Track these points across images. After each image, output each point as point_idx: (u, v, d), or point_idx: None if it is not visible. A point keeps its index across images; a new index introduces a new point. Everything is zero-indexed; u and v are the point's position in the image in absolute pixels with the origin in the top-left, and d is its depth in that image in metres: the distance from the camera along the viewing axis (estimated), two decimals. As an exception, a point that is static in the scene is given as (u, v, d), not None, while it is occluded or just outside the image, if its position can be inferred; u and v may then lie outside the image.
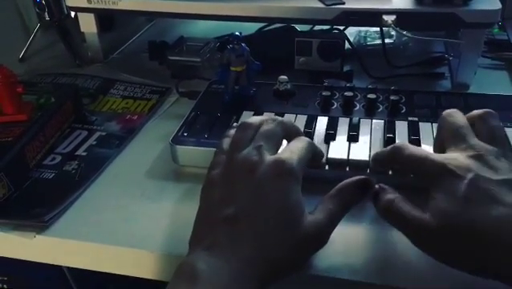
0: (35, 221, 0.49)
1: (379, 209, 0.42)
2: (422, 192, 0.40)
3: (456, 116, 0.44)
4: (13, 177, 0.52)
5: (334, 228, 0.41)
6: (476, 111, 0.44)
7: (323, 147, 0.52)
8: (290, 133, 0.46)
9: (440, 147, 0.44)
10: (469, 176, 0.37)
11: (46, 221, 0.49)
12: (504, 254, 0.35)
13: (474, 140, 0.41)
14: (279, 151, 0.44)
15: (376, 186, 0.43)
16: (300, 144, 0.44)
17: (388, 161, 0.46)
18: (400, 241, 0.45)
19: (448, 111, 0.45)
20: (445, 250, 0.37)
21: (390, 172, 0.50)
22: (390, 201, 0.41)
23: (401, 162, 0.44)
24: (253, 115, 0.58)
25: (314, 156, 0.46)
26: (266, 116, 0.47)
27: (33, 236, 0.48)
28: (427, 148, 0.51)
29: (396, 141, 0.52)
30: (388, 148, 0.45)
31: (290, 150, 0.43)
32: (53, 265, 0.51)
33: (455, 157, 0.40)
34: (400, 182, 0.44)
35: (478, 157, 0.39)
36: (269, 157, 0.41)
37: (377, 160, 0.47)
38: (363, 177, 0.43)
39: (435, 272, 0.42)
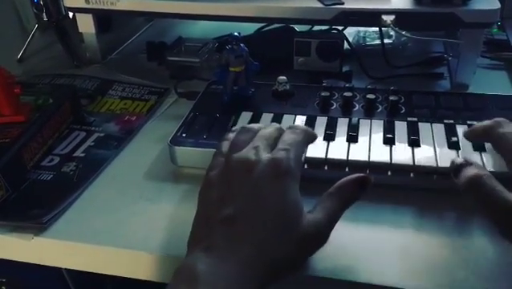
0: (33, 222, 0.49)
1: (465, 182, 0.41)
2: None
3: None
4: (10, 178, 0.52)
5: (333, 226, 0.41)
6: None
7: (322, 147, 0.52)
8: (286, 130, 0.46)
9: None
10: None
11: (44, 223, 0.49)
12: None
13: None
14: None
15: (461, 160, 0.42)
16: (295, 135, 0.44)
17: (483, 136, 0.46)
18: (400, 241, 0.45)
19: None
20: None
21: (389, 173, 0.50)
22: (479, 175, 0.40)
23: (495, 139, 0.44)
24: (252, 115, 0.58)
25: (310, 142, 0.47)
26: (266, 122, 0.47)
27: (31, 238, 0.48)
28: (427, 148, 0.51)
29: (396, 142, 0.52)
30: (484, 123, 0.46)
31: (285, 144, 0.42)
32: (51, 266, 0.51)
33: None
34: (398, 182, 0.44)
35: None
36: (266, 156, 0.41)
37: (471, 136, 0.48)
38: (361, 174, 0.43)
39: (435, 272, 0.42)
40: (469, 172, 0.41)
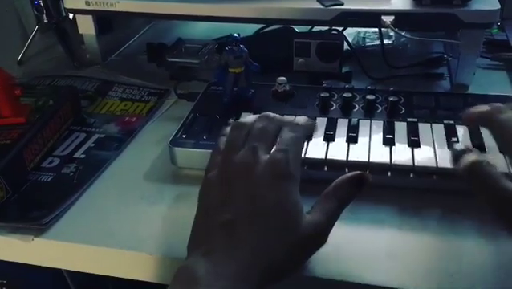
0: (33, 223, 0.49)
1: (463, 169, 0.40)
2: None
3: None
4: (11, 179, 0.52)
5: (332, 227, 0.41)
6: None
7: (322, 148, 0.52)
8: (284, 127, 0.45)
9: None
10: None
11: (44, 224, 0.49)
12: None
13: None
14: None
15: (461, 146, 0.42)
16: (294, 133, 0.43)
17: (480, 120, 0.45)
18: (400, 242, 0.45)
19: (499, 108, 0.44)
20: None
21: (389, 174, 0.50)
22: (479, 162, 0.40)
23: (494, 124, 0.43)
24: (252, 116, 0.58)
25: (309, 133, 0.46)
26: (260, 114, 0.46)
27: (31, 239, 0.48)
28: (427, 149, 0.51)
29: (396, 142, 0.52)
30: (481, 108, 0.45)
31: (283, 143, 0.42)
32: (52, 267, 0.51)
33: None
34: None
35: None
36: (264, 158, 0.41)
37: (467, 117, 0.47)
38: (357, 172, 0.42)
39: (434, 273, 0.42)
40: (469, 158, 0.41)
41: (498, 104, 0.44)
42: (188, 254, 0.40)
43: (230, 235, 0.38)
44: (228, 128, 0.46)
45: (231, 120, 0.57)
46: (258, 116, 0.46)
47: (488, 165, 0.39)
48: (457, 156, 0.42)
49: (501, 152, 0.48)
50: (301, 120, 0.46)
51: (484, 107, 0.45)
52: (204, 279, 0.36)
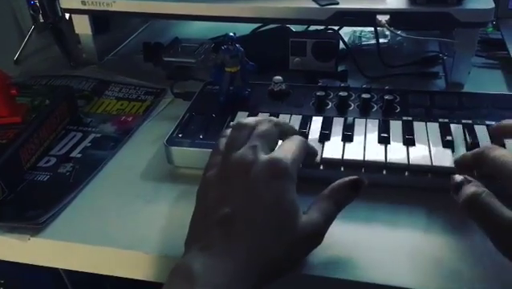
0: (30, 223, 0.49)
1: (463, 201, 0.41)
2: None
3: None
4: (7, 179, 0.52)
5: (328, 227, 0.41)
6: None
7: (317, 147, 0.52)
8: (286, 133, 0.46)
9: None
10: None
11: (40, 224, 0.49)
12: None
13: None
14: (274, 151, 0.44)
15: (461, 177, 0.42)
16: (294, 143, 0.44)
17: (473, 164, 0.45)
18: (395, 240, 0.45)
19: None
20: None
21: (384, 172, 0.50)
22: (477, 193, 0.40)
23: (488, 163, 0.43)
24: (248, 115, 0.58)
25: (308, 154, 0.46)
26: (262, 116, 0.47)
27: (27, 238, 0.48)
28: (422, 147, 0.51)
29: (391, 141, 0.53)
30: (473, 151, 0.45)
31: (284, 149, 0.43)
32: (48, 267, 0.51)
33: None
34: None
35: None
36: (263, 157, 0.41)
37: (461, 164, 0.47)
38: (355, 177, 0.43)
39: (432, 271, 0.42)
40: (468, 190, 0.41)
41: (489, 145, 0.46)
42: (186, 250, 0.40)
43: (228, 231, 0.38)
44: (228, 130, 0.46)
45: (229, 121, 0.57)
46: (259, 118, 0.46)
47: (487, 196, 0.40)
48: (456, 187, 0.42)
49: None
50: (304, 140, 0.46)
51: (475, 150, 0.46)
52: (200, 274, 0.36)
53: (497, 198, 0.40)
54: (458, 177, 0.42)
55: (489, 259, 0.42)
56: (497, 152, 0.43)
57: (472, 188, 0.41)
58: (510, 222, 0.37)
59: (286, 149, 0.43)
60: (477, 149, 0.46)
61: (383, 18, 0.63)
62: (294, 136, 0.46)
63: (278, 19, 0.69)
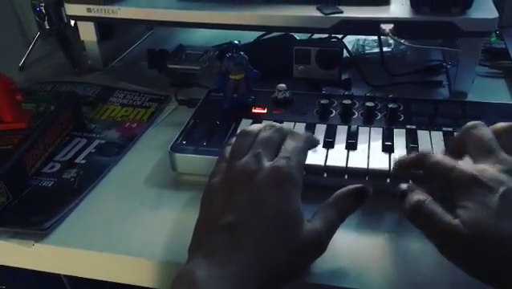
0: (34, 229, 0.49)
1: (407, 210, 0.41)
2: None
3: (482, 128, 0.43)
4: (12, 184, 0.53)
5: (332, 236, 0.41)
6: (501, 124, 0.43)
7: (321, 154, 0.52)
8: (288, 137, 0.46)
9: (456, 156, 0.43)
10: (502, 189, 0.37)
11: (44, 229, 0.49)
12: None
13: (503, 155, 0.40)
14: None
15: (405, 186, 0.42)
16: (296, 142, 0.44)
17: (413, 166, 0.45)
18: (398, 248, 0.45)
19: (472, 123, 0.44)
20: (473, 260, 0.37)
21: (388, 180, 0.50)
22: (420, 201, 0.40)
23: (427, 168, 0.43)
24: (252, 123, 0.58)
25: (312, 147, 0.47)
26: (265, 123, 0.47)
27: (31, 244, 0.48)
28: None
29: (394, 149, 0.53)
30: (413, 154, 0.45)
31: (287, 151, 0.43)
32: (51, 273, 0.51)
33: (484, 169, 0.39)
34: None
35: (508, 171, 0.39)
36: (267, 164, 0.41)
37: (401, 165, 0.47)
38: (359, 185, 0.43)
39: (436, 281, 0.42)
40: (411, 198, 0.40)
41: (424, 151, 0.45)
42: (189, 257, 0.40)
43: (231, 238, 0.38)
44: (233, 138, 0.47)
45: (233, 129, 0.57)
46: (262, 125, 0.46)
47: (430, 203, 0.39)
48: (401, 195, 0.42)
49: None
50: (305, 133, 0.47)
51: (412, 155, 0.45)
52: (204, 282, 0.36)
53: (439, 205, 0.39)
54: (403, 186, 0.42)
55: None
56: (440, 157, 0.42)
57: (415, 196, 0.40)
58: (454, 228, 0.37)
59: (289, 151, 0.43)
60: (419, 152, 0.45)
61: (387, 27, 0.63)
62: (295, 135, 0.46)
63: (283, 27, 0.69)
